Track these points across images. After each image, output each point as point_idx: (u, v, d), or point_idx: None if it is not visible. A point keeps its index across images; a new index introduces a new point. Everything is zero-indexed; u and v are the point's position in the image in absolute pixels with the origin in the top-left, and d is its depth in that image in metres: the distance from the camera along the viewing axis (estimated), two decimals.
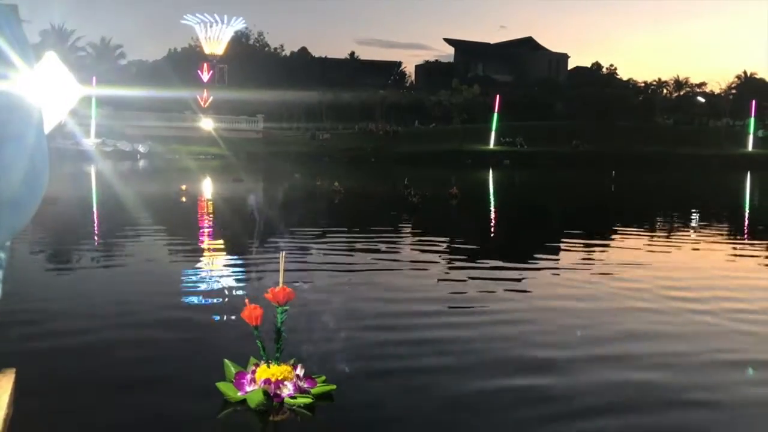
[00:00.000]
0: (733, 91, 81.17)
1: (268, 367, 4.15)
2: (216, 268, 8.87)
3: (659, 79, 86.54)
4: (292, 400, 4.04)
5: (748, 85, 79.20)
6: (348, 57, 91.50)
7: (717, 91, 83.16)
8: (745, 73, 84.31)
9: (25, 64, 0.80)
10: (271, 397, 3.99)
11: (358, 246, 10.96)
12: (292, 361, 4.28)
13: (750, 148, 59.31)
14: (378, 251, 10.46)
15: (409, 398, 4.44)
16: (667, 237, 13.75)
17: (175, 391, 4.35)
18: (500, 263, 9.74)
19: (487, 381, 4.82)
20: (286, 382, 4.07)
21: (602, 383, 4.89)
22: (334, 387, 4.21)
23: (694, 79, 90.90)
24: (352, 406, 4.19)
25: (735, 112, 70.56)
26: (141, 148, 43.15)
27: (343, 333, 5.59)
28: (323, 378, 4.27)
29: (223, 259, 9.71)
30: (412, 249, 11.42)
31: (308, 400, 4.05)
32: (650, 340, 6.05)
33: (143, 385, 4.45)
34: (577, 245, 11.79)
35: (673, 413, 4.41)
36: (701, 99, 79.49)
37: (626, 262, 10.01)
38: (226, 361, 4.31)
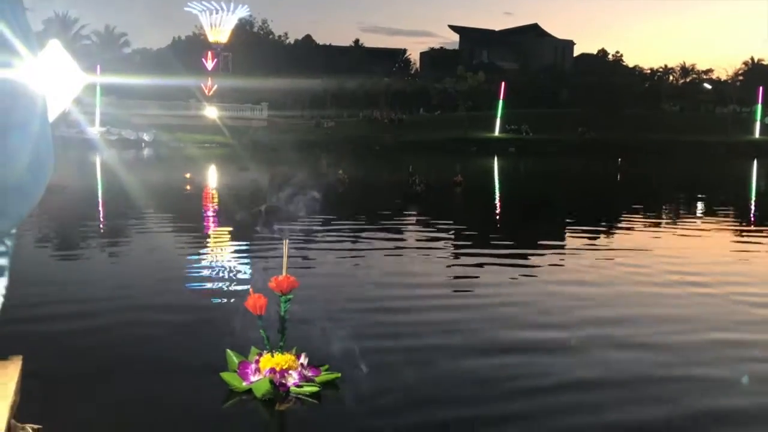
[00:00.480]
0: (740, 78, 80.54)
1: (272, 356, 4.17)
2: (220, 257, 8.90)
3: (665, 66, 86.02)
4: (297, 389, 4.05)
5: (755, 71, 78.56)
6: (352, 44, 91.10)
7: (724, 77, 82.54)
8: (752, 59, 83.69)
9: (28, 51, 0.80)
10: (277, 386, 4.01)
11: (363, 233, 10.98)
12: (294, 350, 4.29)
13: (757, 134, 58.95)
14: (382, 238, 10.49)
15: (414, 381, 4.50)
16: (673, 223, 13.74)
17: (179, 381, 4.37)
18: (505, 249, 9.78)
19: (491, 358, 4.97)
20: (291, 371, 4.08)
21: (603, 359, 5.07)
22: (339, 375, 4.23)
23: (701, 66, 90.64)
24: (357, 393, 4.21)
25: (742, 99, 70.02)
26: (146, 137, 43.13)
27: (346, 318, 5.66)
28: (326, 366, 4.29)
29: (227, 247, 9.74)
30: (416, 236, 11.44)
31: (315, 389, 4.07)
32: (652, 318, 6.21)
33: (148, 374, 4.47)
34: (582, 232, 11.79)
35: (669, 386, 4.55)
36: (708, 86, 78.95)
37: (631, 248, 10.07)
38: (228, 351, 4.32)
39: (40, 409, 2.25)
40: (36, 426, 2.43)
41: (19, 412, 2.18)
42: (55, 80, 1.25)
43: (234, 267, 8.17)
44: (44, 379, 3.97)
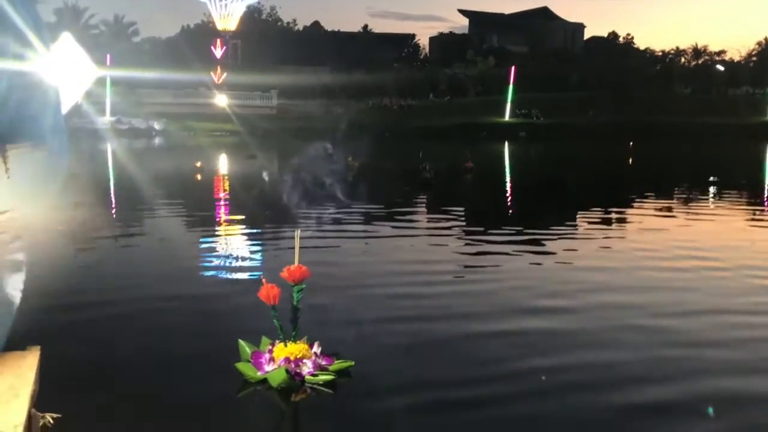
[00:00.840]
0: (754, 59, 79.63)
1: (285, 345, 4.19)
2: (232, 245, 8.94)
3: (677, 48, 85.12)
4: (312, 378, 4.08)
5: None
6: (361, 30, 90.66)
7: (737, 58, 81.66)
8: (765, 39, 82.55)
9: (41, 44, 0.81)
10: (293, 375, 4.04)
11: (374, 219, 11.00)
12: (305, 339, 4.32)
13: None
14: (393, 224, 10.54)
15: (428, 362, 4.60)
16: (685, 206, 13.68)
17: (194, 371, 4.40)
18: (516, 231, 9.88)
19: (501, 337, 5.10)
20: (305, 360, 4.11)
21: (612, 327, 5.33)
22: (352, 363, 4.25)
23: (713, 47, 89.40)
24: (371, 381, 4.24)
25: (755, 80, 69.25)
26: (156, 126, 43.21)
27: (357, 301, 5.74)
28: (338, 355, 4.32)
29: (239, 236, 9.77)
30: (427, 221, 11.47)
31: (330, 377, 4.10)
32: (660, 290, 6.40)
33: (162, 364, 4.51)
34: (594, 215, 11.82)
35: (666, 351, 4.78)
36: (720, 67, 78.07)
37: (642, 229, 10.15)
38: (241, 341, 4.35)
39: (60, 401, 2.29)
40: (55, 415, 2.46)
41: (39, 401, 2.21)
42: (67, 73, 1.26)
43: (246, 256, 8.20)
44: (62, 372, 4.01)
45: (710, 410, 3.87)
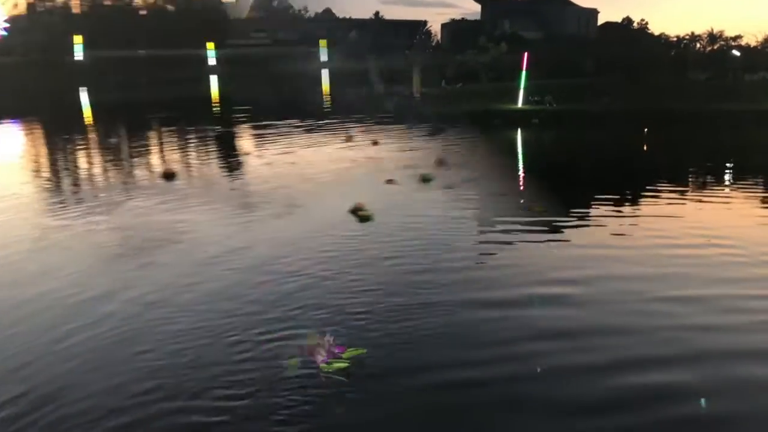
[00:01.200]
0: None
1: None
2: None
3: (692, 33, 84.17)
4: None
5: None
6: (372, 17, 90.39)
7: (753, 44, 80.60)
8: None
9: None
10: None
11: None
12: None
13: None
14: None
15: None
16: (700, 191, 13.62)
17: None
18: (531, 216, 9.94)
19: (511, 311, 5.43)
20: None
21: (618, 300, 5.71)
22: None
23: (729, 32, 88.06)
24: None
25: None
26: None
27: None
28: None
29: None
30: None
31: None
32: (670, 267, 6.71)
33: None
34: (608, 201, 11.81)
35: (671, 321, 5.14)
36: (736, 53, 77.07)
37: (657, 215, 10.19)
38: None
39: None
40: None
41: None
42: None
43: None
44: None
45: (702, 402, 3.94)
